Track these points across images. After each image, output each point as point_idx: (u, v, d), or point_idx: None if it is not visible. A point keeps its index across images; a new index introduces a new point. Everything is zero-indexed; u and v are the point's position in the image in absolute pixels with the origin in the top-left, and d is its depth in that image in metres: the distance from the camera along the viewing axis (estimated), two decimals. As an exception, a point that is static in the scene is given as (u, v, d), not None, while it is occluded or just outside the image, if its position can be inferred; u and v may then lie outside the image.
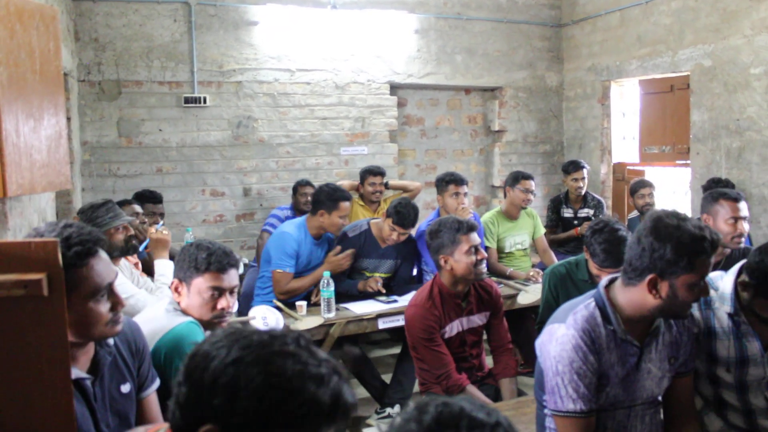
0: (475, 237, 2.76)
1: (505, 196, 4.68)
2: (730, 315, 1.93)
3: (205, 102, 5.19)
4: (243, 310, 3.66)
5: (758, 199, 4.66)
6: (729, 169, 4.91)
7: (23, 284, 1.16)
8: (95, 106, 4.94)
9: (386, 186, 5.09)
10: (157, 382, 1.83)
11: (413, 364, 3.01)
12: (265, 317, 3.04)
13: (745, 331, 1.91)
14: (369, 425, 3.62)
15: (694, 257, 1.61)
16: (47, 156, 2.52)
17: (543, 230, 4.68)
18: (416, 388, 3.27)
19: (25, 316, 1.19)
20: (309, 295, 3.68)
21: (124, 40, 4.98)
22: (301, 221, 3.81)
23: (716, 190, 2.98)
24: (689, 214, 1.73)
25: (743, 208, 2.84)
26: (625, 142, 6.34)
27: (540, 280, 3.86)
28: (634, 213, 5.11)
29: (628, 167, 6.20)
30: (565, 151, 6.62)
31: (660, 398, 1.89)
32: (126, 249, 2.94)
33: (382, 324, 3.53)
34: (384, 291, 3.70)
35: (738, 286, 1.93)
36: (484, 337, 2.99)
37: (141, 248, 3.18)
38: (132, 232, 2.99)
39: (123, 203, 3.58)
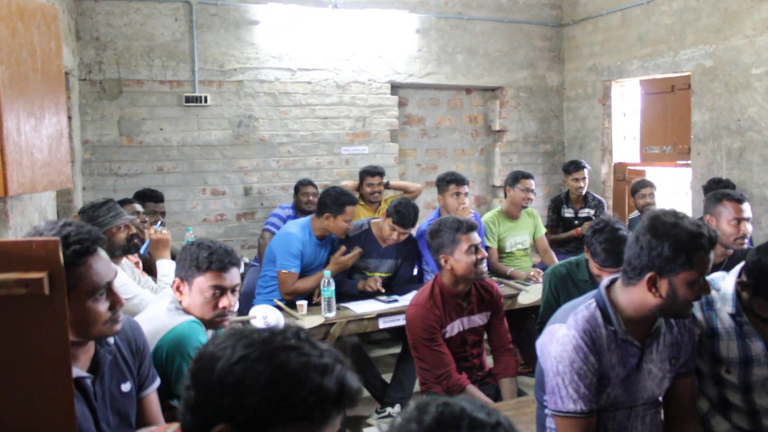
0: (475, 236, 2.76)
1: (505, 196, 4.68)
2: (732, 315, 1.93)
3: (205, 101, 5.19)
4: (244, 310, 3.66)
5: (759, 200, 4.66)
6: (730, 169, 4.90)
7: (24, 283, 1.16)
8: (96, 105, 4.94)
9: (387, 186, 5.09)
10: (157, 382, 1.83)
11: (414, 364, 3.01)
12: (265, 316, 3.04)
13: (748, 331, 1.91)
14: (369, 425, 3.63)
15: (692, 254, 1.62)
16: (48, 155, 2.52)
17: (544, 230, 4.68)
18: (417, 387, 3.27)
19: (26, 315, 1.19)
20: (311, 295, 3.68)
21: (125, 39, 4.98)
22: (306, 222, 3.81)
23: (720, 191, 2.97)
24: (690, 215, 1.72)
25: (746, 209, 2.84)
26: (625, 142, 6.34)
27: (540, 280, 3.86)
28: (635, 213, 5.11)
29: (628, 167, 6.19)
30: (566, 151, 6.62)
31: (660, 399, 1.89)
32: (128, 248, 2.94)
33: (383, 323, 3.53)
34: (383, 290, 3.70)
35: (737, 286, 1.93)
36: (485, 336, 2.99)
37: (142, 250, 3.18)
38: (134, 231, 2.99)
39: (124, 202, 3.58)
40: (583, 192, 5.10)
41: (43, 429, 1.23)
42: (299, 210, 4.86)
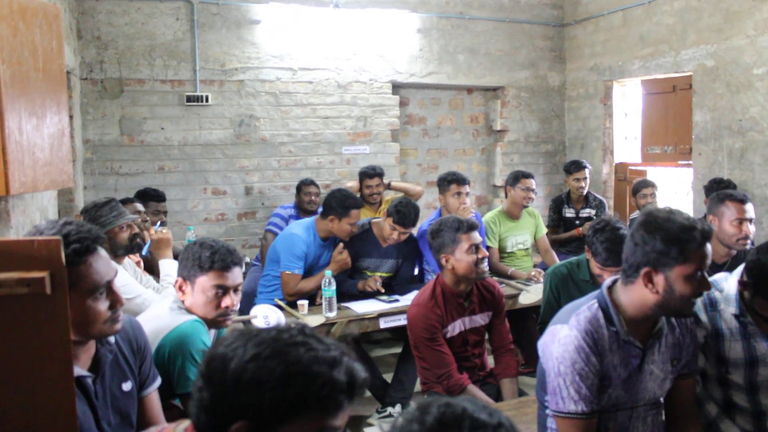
0: (475, 235, 2.76)
1: (506, 195, 4.68)
2: (736, 316, 1.93)
3: (207, 100, 5.19)
4: (245, 309, 3.66)
5: (760, 200, 4.65)
6: (731, 169, 4.90)
7: (26, 282, 1.16)
8: (97, 105, 4.94)
9: (388, 186, 5.09)
10: (158, 381, 1.83)
11: (415, 364, 3.01)
12: (266, 316, 3.04)
13: (753, 331, 1.91)
14: (370, 424, 3.63)
15: (684, 246, 1.62)
16: (50, 154, 2.52)
17: (545, 230, 4.68)
18: (418, 387, 3.27)
19: (27, 314, 1.19)
20: (314, 296, 3.68)
21: (126, 38, 4.98)
22: (310, 222, 3.81)
23: (722, 192, 2.97)
24: (691, 215, 1.73)
25: (749, 209, 2.83)
26: (627, 142, 6.34)
27: (541, 280, 3.86)
28: (636, 213, 5.10)
29: (630, 167, 6.19)
30: (567, 151, 6.61)
31: (662, 400, 1.88)
32: (130, 248, 2.94)
33: (384, 323, 3.53)
34: (383, 290, 3.70)
35: (739, 286, 1.93)
36: (486, 336, 2.99)
37: (144, 250, 3.18)
38: (136, 230, 2.99)
39: (125, 201, 3.59)
40: (584, 192, 5.10)
41: (44, 428, 1.23)
42: (301, 210, 4.86)
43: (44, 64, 2.45)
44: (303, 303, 3.48)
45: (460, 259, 2.72)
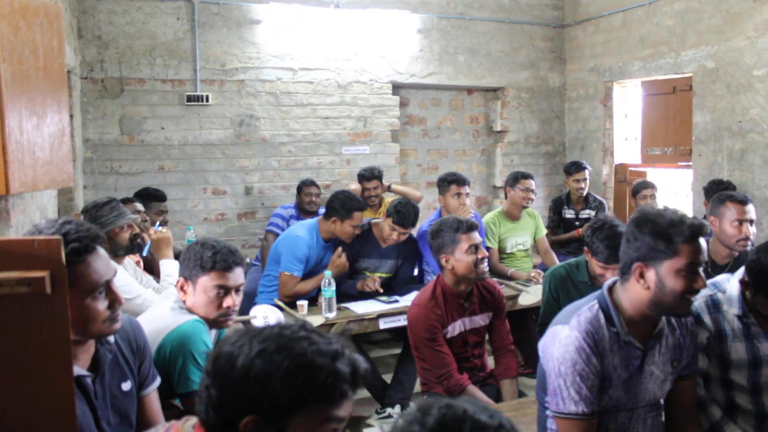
0: (475, 236, 2.77)
1: (506, 196, 4.68)
2: (738, 317, 1.93)
3: (207, 100, 5.18)
4: (245, 309, 3.66)
5: (760, 201, 4.65)
6: (731, 171, 4.90)
7: (26, 282, 1.16)
8: (98, 104, 4.94)
9: (388, 188, 5.09)
10: (157, 381, 1.83)
11: (414, 364, 3.01)
12: (266, 316, 3.04)
13: (756, 332, 1.92)
14: (369, 425, 3.62)
15: (672, 240, 1.63)
16: (50, 153, 2.51)
17: (545, 231, 4.68)
18: (417, 388, 3.27)
19: (27, 313, 1.19)
20: (315, 297, 3.68)
21: (127, 37, 4.98)
22: (313, 224, 3.81)
23: (724, 193, 2.98)
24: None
25: (750, 210, 2.83)
26: (627, 144, 6.34)
27: (541, 281, 3.86)
28: (636, 214, 5.09)
29: (630, 168, 6.19)
30: (567, 152, 6.61)
31: (662, 401, 1.88)
32: (131, 248, 2.94)
33: (383, 324, 3.52)
34: (381, 290, 3.70)
35: (740, 285, 1.94)
36: (487, 337, 2.99)
37: (145, 252, 3.18)
38: (137, 230, 2.99)
39: (125, 201, 3.58)
40: (584, 193, 5.10)
41: (44, 428, 1.22)
42: (301, 210, 4.86)
43: (45, 63, 2.45)
44: (303, 303, 3.48)
45: (459, 259, 2.73)
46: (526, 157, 6.47)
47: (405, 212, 3.67)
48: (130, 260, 3.10)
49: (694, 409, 1.92)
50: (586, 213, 5.10)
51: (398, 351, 3.88)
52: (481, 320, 2.88)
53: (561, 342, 1.71)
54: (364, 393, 3.74)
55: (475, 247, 2.74)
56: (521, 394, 2.94)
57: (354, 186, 4.95)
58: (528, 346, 3.94)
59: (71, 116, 3.94)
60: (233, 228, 5.42)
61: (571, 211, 5.16)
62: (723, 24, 4.90)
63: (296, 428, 1.07)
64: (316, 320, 3.34)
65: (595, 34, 6.17)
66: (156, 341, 1.97)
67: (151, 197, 4.30)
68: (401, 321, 3.44)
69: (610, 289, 1.79)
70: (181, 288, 2.11)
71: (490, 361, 3.03)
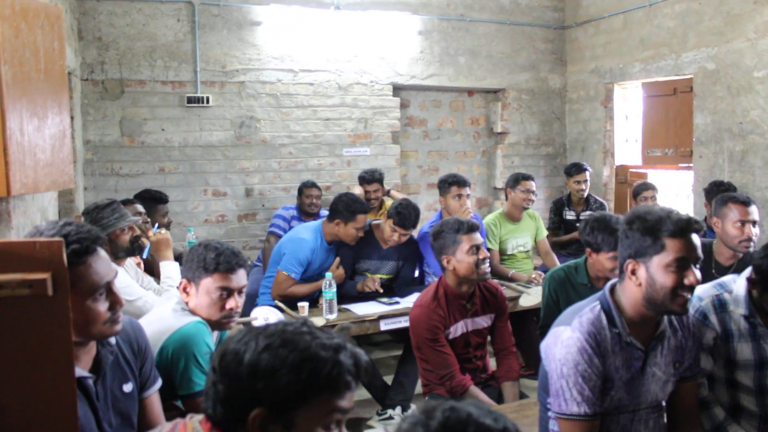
0: (476, 236, 2.77)
1: (506, 198, 4.68)
2: (745, 317, 1.93)
3: (207, 102, 5.19)
4: (246, 310, 3.66)
5: (761, 203, 4.65)
6: (732, 172, 4.90)
7: (28, 284, 1.15)
8: (98, 105, 4.94)
9: (387, 193, 5.10)
10: (159, 383, 1.83)
11: (415, 366, 3.00)
12: (266, 317, 3.05)
13: (762, 333, 1.92)
14: (370, 427, 3.62)
15: (659, 235, 1.64)
16: (51, 155, 2.51)
17: (545, 232, 4.68)
18: (418, 389, 3.26)
19: (29, 315, 1.18)
20: (316, 298, 3.67)
21: (127, 39, 4.98)
22: (317, 226, 3.81)
23: (726, 194, 2.98)
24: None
25: (752, 211, 2.83)
26: (627, 145, 6.34)
27: (542, 282, 3.85)
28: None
29: (630, 170, 6.19)
30: (568, 154, 6.61)
31: (664, 403, 1.88)
32: (132, 250, 2.94)
33: (384, 325, 3.52)
34: (381, 290, 3.69)
35: (747, 283, 1.94)
36: (489, 339, 2.99)
37: (145, 254, 3.18)
38: (138, 232, 2.98)
39: (125, 203, 3.58)
40: (585, 194, 5.10)
41: (46, 429, 1.22)
42: (302, 212, 4.86)
43: (45, 65, 2.45)
44: (303, 305, 3.47)
45: (461, 260, 2.73)
46: (526, 158, 6.47)
47: (406, 214, 3.67)
48: (131, 262, 3.09)
49: (696, 411, 1.92)
50: (587, 214, 5.09)
51: (399, 353, 3.87)
52: (483, 321, 2.88)
53: (563, 343, 1.71)
54: (364, 394, 3.74)
55: (477, 248, 2.74)
56: (522, 396, 2.94)
57: (357, 189, 4.95)
58: (529, 348, 3.94)
59: (72, 118, 3.94)
60: (234, 229, 5.42)
61: (572, 213, 5.16)
62: (723, 26, 4.90)
63: (303, 419, 1.10)
64: (317, 321, 3.33)
65: (595, 35, 6.17)
66: (158, 343, 1.97)
67: (154, 200, 4.30)
68: (402, 322, 3.44)
69: (612, 289, 1.79)
70: (184, 289, 2.11)
71: (491, 363, 3.02)
